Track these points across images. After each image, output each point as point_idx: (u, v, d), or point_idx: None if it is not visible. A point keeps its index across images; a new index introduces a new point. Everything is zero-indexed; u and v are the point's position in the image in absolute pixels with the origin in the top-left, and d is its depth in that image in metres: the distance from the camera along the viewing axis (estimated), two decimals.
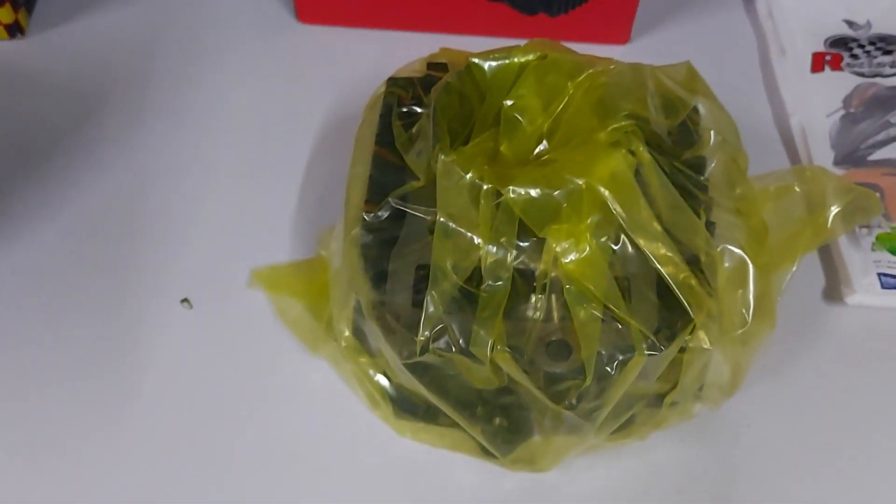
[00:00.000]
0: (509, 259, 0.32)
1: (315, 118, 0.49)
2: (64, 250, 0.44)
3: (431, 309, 0.31)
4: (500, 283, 0.32)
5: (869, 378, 0.41)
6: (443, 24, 0.52)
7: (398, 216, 0.35)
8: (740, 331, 0.34)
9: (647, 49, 0.54)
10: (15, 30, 0.51)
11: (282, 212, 0.46)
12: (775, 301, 0.37)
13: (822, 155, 0.48)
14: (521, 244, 0.32)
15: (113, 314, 0.42)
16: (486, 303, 0.32)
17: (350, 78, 0.51)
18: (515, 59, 0.35)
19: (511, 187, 0.31)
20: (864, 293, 0.43)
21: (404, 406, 0.38)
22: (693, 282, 0.33)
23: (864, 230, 0.44)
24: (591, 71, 0.33)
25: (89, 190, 0.46)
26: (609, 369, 0.31)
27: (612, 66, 0.34)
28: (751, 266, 0.34)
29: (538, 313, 0.32)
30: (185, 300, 0.43)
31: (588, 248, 0.32)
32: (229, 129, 0.49)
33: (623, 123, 0.32)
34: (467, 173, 0.32)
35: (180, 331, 0.42)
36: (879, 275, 0.43)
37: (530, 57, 0.35)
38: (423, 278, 0.33)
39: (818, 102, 0.51)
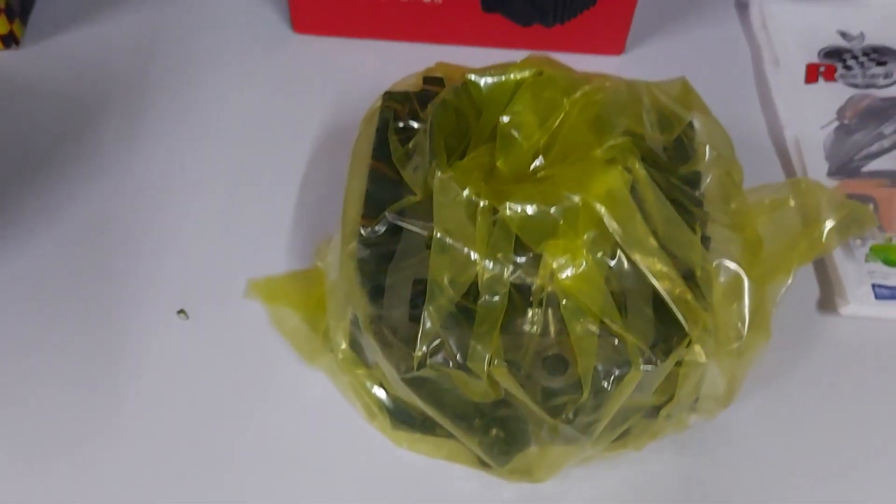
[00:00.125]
0: (506, 274, 0.32)
1: (312, 128, 0.50)
2: (60, 260, 0.44)
3: (428, 324, 0.32)
4: (496, 298, 0.32)
5: (863, 388, 0.41)
6: (439, 35, 0.53)
7: (395, 231, 0.35)
8: (736, 344, 0.35)
9: (642, 60, 0.54)
10: (10, 40, 0.51)
11: (279, 222, 0.46)
12: (770, 313, 0.37)
13: (817, 166, 0.48)
14: (518, 259, 0.33)
15: (109, 323, 0.42)
16: (483, 318, 0.32)
17: (346, 88, 0.51)
18: (511, 76, 0.35)
19: (508, 204, 0.31)
20: (858, 304, 0.43)
21: (401, 417, 0.38)
22: (688, 296, 0.33)
23: (858, 241, 0.45)
24: (587, 88, 0.34)
25: (86, 199, 0.46)
26: (605, 384, 0.31)
27: (607, 83, 0.34)
28: (746, 280, 0.35)
29: (535, 328, 0.32)
30: (181, 311, 0.43)
31: (584, 264, 0.32)
32: (226, 139, 0.49)
33: (619, 140, 0.33)
34: (464, 190, 0.32)
35: (177, 341, 0.42)
36: (873, 285, 0.44)
37: (526, 73, 0.35)
38: (420, 293, 0.33)
39: (812, 114, 0.51)
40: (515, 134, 0.34)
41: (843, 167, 0.49)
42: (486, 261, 0.32)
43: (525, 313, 0.33)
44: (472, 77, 0.35)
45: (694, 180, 0.37)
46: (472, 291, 0.33)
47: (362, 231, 0.35)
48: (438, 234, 0.32)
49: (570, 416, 0.31)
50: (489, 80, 0.35)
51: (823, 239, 0.37)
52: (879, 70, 0.53)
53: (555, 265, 0.32)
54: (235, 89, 0.51)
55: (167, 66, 0.52)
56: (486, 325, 0.32)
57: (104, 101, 0.50)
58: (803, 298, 0.44)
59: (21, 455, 0.38)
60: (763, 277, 0.36)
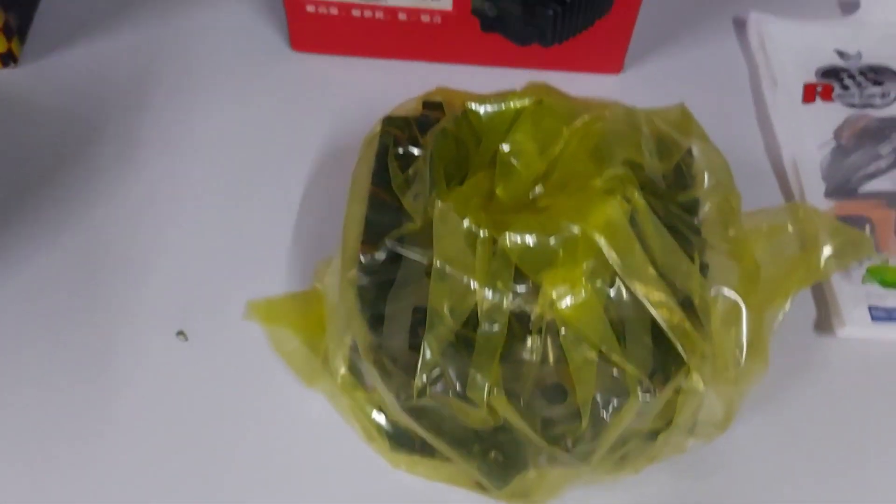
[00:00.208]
0: (505, 303, 0.32)
1: (310, 148, 0.50)
2: (58, 281, 0.44)
3: (428, 354, 0.32)
4: (496, 327, 0.32)
5: (860, 411, 0.42)
6: (437, 54, 0.53)
7: (395, 258, 0.35)
8: (734, 372, 0.35)
9: (640, 79, 0.55)
10: (8, 58, 0.51)
11: (278, 243, 0.46)
12: (768, 340, 0.37)
13: (814, 187, 0.49)
14: (517, 288, 0.33)
15: (107, 345, 0.42)
16: (483, 347, 0.32)
17: (345, 107, 0.51)
18: (511, 104, 0.35)
19: (507, 234, 0.31)
20: (855, 326, 0.44)
21: (400, 440, 0.38)
22: (687, 325, 0.33)
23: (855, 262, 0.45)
24: (586, 117, 0.34)
25: (83, 220, 0.46)
26: (604, 414, 0.32)
27: (607, 112, 0.34)
28: (743, 308, 0.35)
29: (534, 356, 0.33)
30: (180, 332, 0.43)
31: (583, 293, 0.32)
32: (225, 159, 0.49)
33: (618, 171, 0.33)
34: (464, 219, 0.32)
35: (176, 363, 0.42)
36: (870, 307, 0.44)
37: (526, 101, 0.35)
38: (419, 321, 0.33)
39: (809, 134, 0.51)
40: (515, 162, 0.35)
41: (840, 188, 0.49)
42: (486, 290, 0.32)
43: (524, 342, 0.33)
44: (473, 106, 0.35)
45: (692, 207, 0.37)
46: (472, 320, 0.33)
47: (362, 258, 0.35)
48: (438, 263, 0.32)
49: (569, 444, 0.32)
50: (489, 108, 0.35)
51: (821, 266, 0.37)
52: (876, 90, 0.53)
53: (554, 294, 0.32)
54: (234, 108, 0.51)
55: (165, 84, 0.52)
56: (485, 354, 0.32)
57: (102, 119, 0.50)
58: (800, 320, 0.44)
59: (16, 478, 0.38)
60: (761, 304, 0.36)
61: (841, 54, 0.55)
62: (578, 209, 0.32)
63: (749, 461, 0.40)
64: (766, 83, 0.54)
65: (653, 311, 0.33)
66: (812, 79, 0.54)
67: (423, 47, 0.52)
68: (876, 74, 0.54)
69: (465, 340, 0.32)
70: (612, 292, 0.33)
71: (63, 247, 0.45)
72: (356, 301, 0.34)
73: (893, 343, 0.44)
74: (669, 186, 0.35)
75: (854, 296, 0.44)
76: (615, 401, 0.32)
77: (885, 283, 0.45)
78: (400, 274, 0.34)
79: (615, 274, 0.33)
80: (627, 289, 0.33)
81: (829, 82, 0.54)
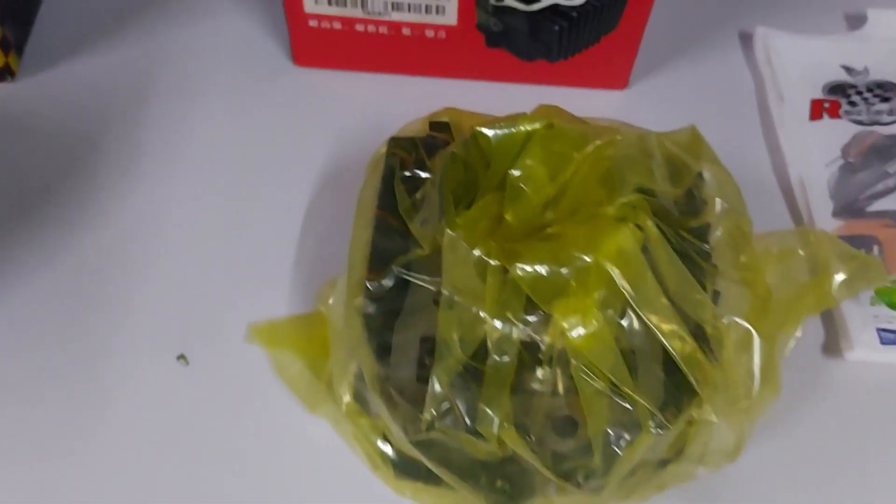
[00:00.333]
0: (515, 334, 0.32)
1: (313, 165, 0.49)
2: (55, 303, 0.43)
3: (437, 386, 0.31)
4: (506, 358, 0.31)
5: (869, 435, 0.41)
6: (442, 69, 0.52)
7: (402, 285, 0.34)
8: (746, 402, 0.34)
9: (645, 95, 0.54)
10: (5, 73, 0.51)
11: (279, 263, 0.45)
12: (779, 367, 0.36)
13: (821, 206, 0.48)
14: (528, 318, 0.32)
15: (106, 371, 0.41)
16: (492, 379, 0.31)
17: (348, 123, 0.51)
18: (521, 128, 0.35)
19: (518, 265, 0.31)
20: (864, 349, 0.43)
21: (405, 468, 0.38)
22: (699, 355, 0.33)
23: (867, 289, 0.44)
24: (598, 142, 0.33)
25: (81, 240, 0.45)
26: (616, 448, 0.31)
27: (618, 137, 0.34)
28: (756, 337, 0.34)
29: (544, 388, 0.32)
30: (181, 356, 0.42)
31: (595, 323, 0.32)
32: (225, 176, 0.48)
33: (630, 198, 0.32)
34: (474, 249, 0.31)
35: (176, 387, 0.41)
36: (878, 330, 0.43)
37: (536, 125, 0.35)
38: (427, 351, 0.32)
39: (817, 151, 0.51)
40: (524, 187, 0.34)
41: (848, 207, 0.48)
42: (496, 320, 0.31)
43: (534, 373, 0.32)
44: (482, 129, 0.35)
45: (703, 232, 0.36)
46: (480, 351, 0.32)
47: (369, 285, 0.34)
48: (447, 293, 0.32)
49: (581, 480, 0.31)
50: (498, 132, 0.35)
51: (833, 292, 0.37)
52: (884, 106, 0.52)
53: (565, 324, 0.32)
54: (234, 124, 0.50)
55: (164, 99, 0.51)
56: (495, 386, 0.31)
57: (101, 135, 0.49)
58: (807, 342, 0.44)
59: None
60: (772, 331, 0.36)
61: (848, 70, 0.55)
62: (590, 238, 0.31)
63: (757, 486, 0.39)
64: (772, 99, 0.53)
65: (665, 342, 0.32)
66: (819, 95, 0.53)
67: (426, 62, 0.52)
68: (883, 90, 0.53)
69: (473, 372, 0.32)
70: (624, 322, 0.32)
71: (59, 266, 0.44)
72: (363, 330, 0.33)
73: None
74: (681, 212, 0.35)
75: (862, 318, 0.43)
76: (627, 434, 0.31)
77: (893, 305, 0.44)
78: (407, 302, 0.34)
79: (627, 303, 0.32)
80: (639, 318, 0.32)
81: (836, 98, 0.53)
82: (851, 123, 0.52)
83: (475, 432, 0.31)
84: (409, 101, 0.51)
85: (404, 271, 0.34)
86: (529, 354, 0.32)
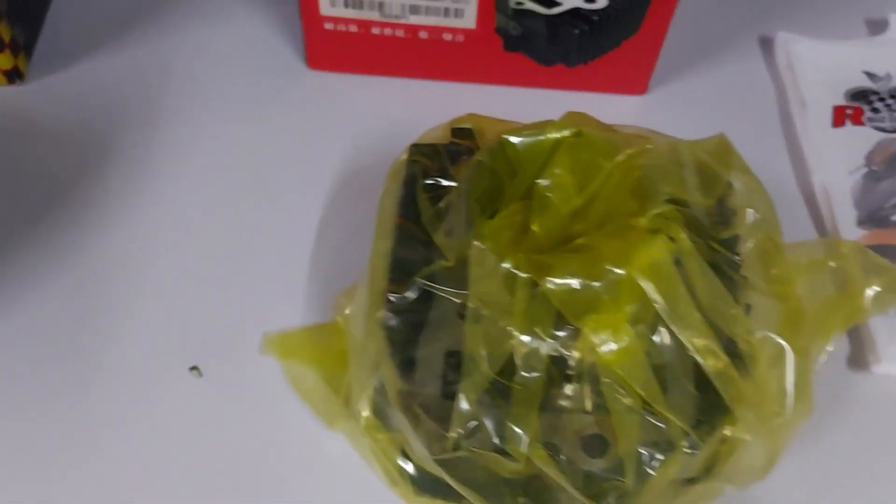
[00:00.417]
0: (544, 349, 0.31)
1: (328, 171, 0.48)
2: (63, 311, 0.42)
3: (464, 403, 0.30)
4: (535, 375, 0.30)
5: None
6: (459, 73, 0.51)
7: (425, 297, 0.33)
8: (779, 419, 0.33)
9: (664, 101, 0.53)
10: (14, 75, 0.50)
11: (294, 272, 0.44)
12: (811, 384, 0.35)
13: (845, 215, 0.47)
14: (557, 333, 0.31)
15: (116, 381, 0.40)
16: (520, 396, 0.30)
17: (363, 128, 0.50)
18: (549, 136, 0.34)
19: (550, 278, 0.30)
20: (891, 362, 0.42)
21: (424, 485, 0.37)
22: (732, 372, 0.32)
23: None
24: (629, 151, 0.32)
25: (90, 246, 0.44)
26: (648, 469, 0.30)
27: (649, 146, 0.33)
28: (790, 353, 0.33)
29: (573, 405, 0.31)
30: (194, 368, 0.41)
31: (626, 338, 0.31)
32: (238, 182, 0.47)
33: (663, 209, 0.31)
34: (503, 262, 0.30)
35: (189, 400, 0.40)
36: None
37: (564, 133, 0.34)
38: (452, 367, 0.31)
39: (840, 159, 0.50)
40: (552, 196, 0.33)
41: (873, 216, 0.47)
42: (524, 335, 0.30)
43: (562, 389, 0.31)
44: (508, 137, 0.34)
45: (733, 244, 0.35)
46: (507, 366, 0.31)
47: (391, 297, 0.33)
48: (473, 306, 0.31)
49: (612, 502, 0.30)
50: (525, 140, 0.34)
51: (865, 307, 0.36)
52: None
53: (595, 340, 0.31)
54: (247, 129, 0.49)
55: (175, 103, 0.50)
56: (523, 404, 0.30)
57: (111, 139, 0.48)
58: (833, 355, 0.43)
59: None
60: (805, 347, 0.35)
61: (870, 76, 0.54)
62: (622, 250, 0.30)
63: (783, 502, 0.38)
64: (794, 105, 0.53)
65: (697, 358, 0.31)
66: (841, 101, 0.52)
67: (443, 67, 0.51)
68: None
69: (500, 388, 0.31)
70: (655, 337, 0.31)
71: (69, 273, 0.43)
72: (385, 343, 0.32)
73: None
74: (712, 223, 0.34)
75: (889, 330, 0.43)
76: (660, 454, 0.30)
77: None
78: (431, 315, 0.33)
79: (658, 318, 0.31)
80: (671, 334, 0.31)
81: (858, 105, 0.52)
82: (875, 130, 0.51)
83: (503, 451, 0.30)
84: (425, 106, 0.50)
85: (428, 283, 0.33)
86: (558, 370, 0.31)
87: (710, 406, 0.32)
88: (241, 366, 0.41)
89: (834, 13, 0.58)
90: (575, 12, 0.47)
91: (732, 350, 0.32)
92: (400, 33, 0.49)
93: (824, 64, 0.54)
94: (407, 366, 0.32)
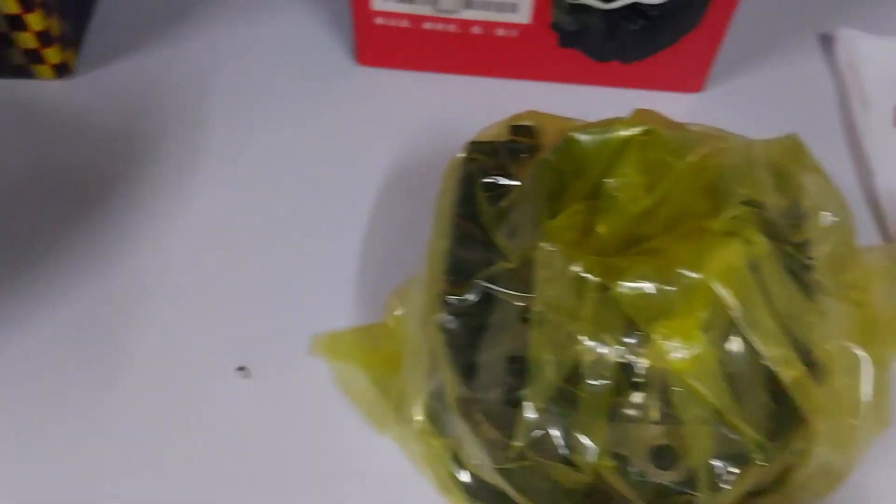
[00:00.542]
0: (612, 356, 0.29)
1: (377, 169, 0.47)
2: (111, 311, 0.41)
3: (529, 412, 0.29)
4: (603, 383, 0.29)
5: None
6: (511, 70, 0.50)
7: (485, 299, 0.32)
8: (856, 430, 0.32)
9: (720, 99, 0.52)
10: (63, 70, 0.49)
11: (344, 271, 0.43)
12: (889, 394, 0.34)
13: None
14: (625, 339, 0.30)
15: (165, 382, 0.39)
16: (588, 405, 0.29)
17: (413, 125, 0.49)
18: (617, 133, 0.32)
19: (622, 282, 0.29)
20: None
21: (478, 493, 0.36)
22: (808, 382, 0.30)
23: None
24: (703, 151, 0.31)
25: (138, 246, 0.44)
26: (721, 482, 0.29)
27: (723, 145, 0.31)
28: (868, 363, 0.32)
29: (641, 414, 0.30)
30: (241, 368, 0.40)
31: (698, 346, 0.29)
32: (286, 179, 0.47)
33: (738, 211, 0.30)
34: (572, 265, 0.29)
35: (236, 401, 0.39)
36: None
37: (634, 131, 0.32)
38: (515, 372, 0.30)
39: None
40: (619, 197, 0.32)
41: None
42: (592, 341, 0.29)
43: (630, 398, 0.30)
44: (575, 135, 0.32)
45: (806, 247, 0.34)
46: (573, 373, 0.30)
47: (450, 299, 0.32)
48: (539, 309, 0.30)
49: None
50: (593, 137, 0.33)
51: None
52: None
53: (666, 347, 0.29)
54: (295, 125, 0.49)
55: (223, 98, 0.50)
56: (590, 413, 0.29)
57: (158, 135, 0.48)
58: None
59: None
60: (882, 356, 0.33)
61: None
62: (696, 254, 0.29)
63: None
64: (856, 104, 0.51)
65: (772, 367, 0.30)
66: None
67: (495, 63, 0.50)
68: None
69: (566, 396, 0.29)
70: (728, 345, 0.30)
71: (117, 273, 0.43)
72: (445, 349, 0.31)
73: None
74: (789, 226, 0.32)
75: None
76: (733, 466, 0.29)
77: None
78: (493, 318, 0.31)
79: (732, 325, 0.30)
80: (745, 341, 0.30)
81: None
82: None
83: (570, 463, 0.29)
84: (476, 103, 0.49)
85: (489, 285, 0.32)
86: (625, 378, 0.30)
87: (784, 416, 0.30)
88: (290, 367, 0.40)
89: (894, 9, 0.56)
90: (633, 7, 0.45)
91: (807, 358, 0.31)
92: (452, 28, 0.48)
93: (887, 61, 0.52)
94: (468, 371, 0.31)
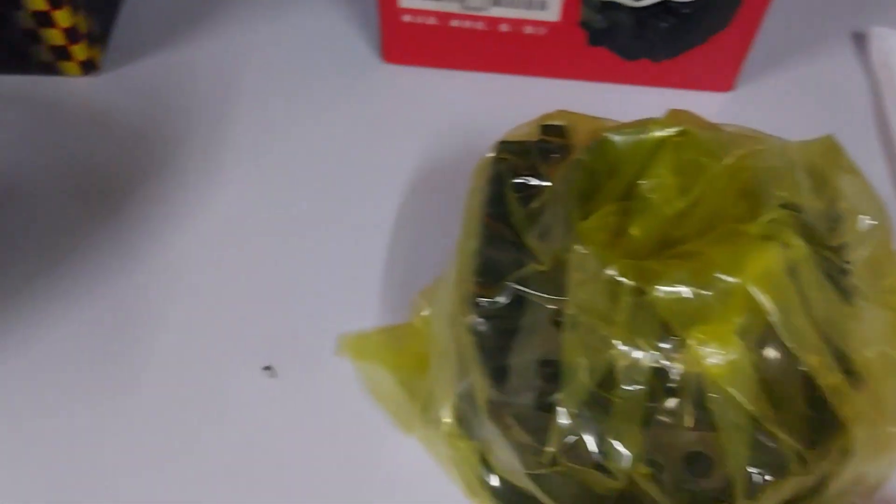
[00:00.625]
0: (646, 361, 0.29)
1: (403, 167, 0.47)
2: (136, 309, 0.41)
3: (562, 417, 0.28)
4: (637, 387, 0.29)
5: None
6: (539, 68, 0.49)
7: (516, 302, 0.32)
8: (894, 439, 0.31)
9: (751, 98, 0.51)
10: (89, 66, 0.49)
11: (369, 271, 0.43)
12: None
13: None
14: (660, 344, 0.29)
15: (190, 381, 0.39)
16: (622, 410, 0.29)
17: (440, 123, 0.48)
18: (652, 134, 0.32)
19: (659, 286, 0.28)
20: None
21: (506, 497, 0.35)
22: (846, 389, 0.30)
23: None
24: (739, 152, 0.30)
25: (163, 243, 0.43)
26: (759, 491, 0.28)
27: (760, 146, 0.31)
28: None
29: (676, 420, 0.29)
30: (267, 367, 0.40)
31: (735, 352, 0.29)
32: (311, 178, 0.46)
33: (776, 214, 0.29)
34: (607, 268, 0.29)
35: (262, 400, 0.39)
36: None
37: (669, 131, 0.32)
38: (547, 376, 0.30)
39: None
40: (653, 198, 0.31)
41: None
42: (627, 346, 0.29)
43: (664, 404, 0.29)
44: (608, 135, 0.32)
45: (843, 251, 0.33)
46: (606, 378, 0.29)
47: (481, 301, 0.32)
48: (572, 312, 0.29)
49: None
50: (626, 138, 0.32)
51: None
52: None
53: (702, 352, 0.29)
54: (320, 124, 0.48)
55: (249, 95, 0.49)
56: (625, 418, 0.28)
57: (183, 134, 0.48)
58: None
59: None
60: None
61: None
62: (734, 257, 0.29)
63: None
64: (890, 104, 0.50)
65: (810, 373, 0.29)
66: None
67: (523, 61, 0.49)
68: None
69: (599, 401, 0.29)
70: (765, 350, 0.30)
71: (141, 270, 0.43)
72: (476, 351, 0.31)
73: None
74: (827, 229, 0.32)
75: None
76: (772, 477, 0.28)
77: None
78: (524, 321, 0.31)
79: (768, 330, 0.29)
80: (782, 347, 0.29)
81: None
82: None
83: (604, 469, 0.28)
84: (503, 102, 0.49)
85: (521, 287, 0.31)
86: (659, 383, 0.29)
87: (822, 423, 0.30)
88: (315, 367, 0.40)
89: None
90: (664, 5, 0.45)
91: (846, 365, 0.30)
92: (480, 26, 0.47)
93: None
94: (498, 374, 0.31)
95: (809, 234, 0.31)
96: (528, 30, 0.47)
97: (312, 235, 0.44)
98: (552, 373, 0.30)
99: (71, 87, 0.49)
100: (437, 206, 0.44)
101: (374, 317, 0.41)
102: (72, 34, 0.47)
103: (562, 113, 0.36)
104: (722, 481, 0.29)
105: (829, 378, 0.29)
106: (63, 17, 0.46)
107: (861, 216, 0.33)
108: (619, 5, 0.45)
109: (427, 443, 0.37)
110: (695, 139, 0.31)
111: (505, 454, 0.31)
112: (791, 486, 0.29)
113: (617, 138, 0.32)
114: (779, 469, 0.28)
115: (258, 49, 0.51)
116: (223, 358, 0.40)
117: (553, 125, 0.36)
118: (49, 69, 0.49)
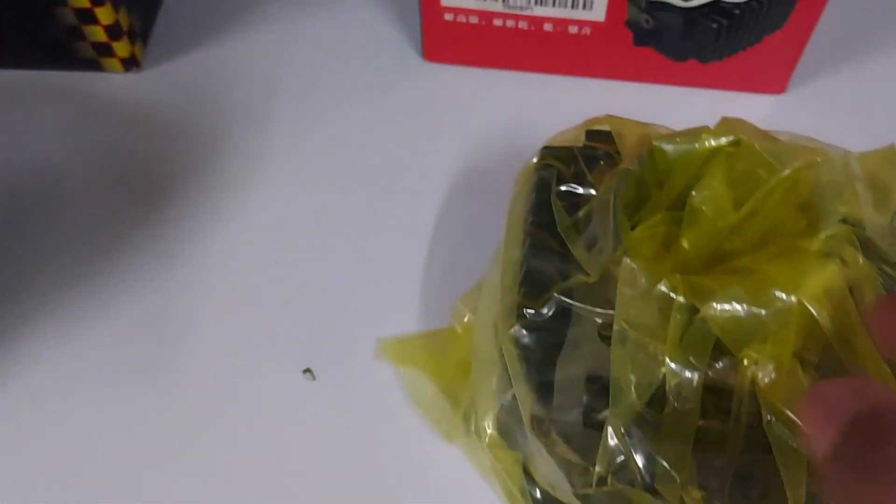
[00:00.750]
0: (697, 380, 0.28)
1: (444, 169, 0.46)
2: (173, 311, 0.41)
3: (612, 439, 0.28)
4: (688, 407, 0.28)
5: None
6: (583, 68, 0.48)
7: (562, 314, 0.31)
8: None
9: (804, 101, 0.49)
10: (131, 63, 0.49)
11: (409, 274, 0.42)
12: None
13: None
14: (713, 362, 0.28)
15: (229, 383, 0.39)
16: (672, 430, 0.28)
17: (481, 124, 0.47)
18: (704, 144, 0.31)
19: (713, 303, 0.27)
20: None
21: None
22: None
23: None
24: (797, 164, 0.29)
25: (204, 242, 0.43)
26: None
27: (819, 158, 0.30)
28: None
29: (728, 442, 0.28)
30: (307, 370, 0.40)
31: (792, 372, 0.28)
32: (350, 179, 0.46)
33: (837, 230, 0.28)
34: (658, 283, 0.28)
35: (301, 403, 0.39)
36: None
37: (722, 141, 0.31)
38: (594, 393, 0.29)
39: None
40: (706, 211, 0.30)
41: None
42: (677, 364, 0.28)
43: (716, 424, 0.28)
44: (659, 144, 0.31)
45: None
46: (656, 396, 0.28)
47: (526, 313, 0.31)
48: (620, 327, 0.28)
49: None
50: (678, 147, 0.31)
51: None
52: None
53: (756, 373, 0.28)
54: (360, 124, 0.48)
55: (289, 93, 0.49)
56: (676, 439, 0.27)
57: (223, 132, 0.47)
58: None
59: None
60: None
61: None
62: (791, 274, 0.27)
63: None
64: None
65: None
66: None
67: (566, 61, 0.48)
68: None
69: (649, 420, 0.28)
70: (823, 372, 0.28)
71: (181, 267, 0.42)
72: (520, 363, 0.30)
73: None
74: (886, 245, 0.31)
75: None
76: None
77: None
78: (570, 334, 0.30)
79: (826, 351, 0.28)
80: (842, 368, 0.28)
81: None
82: None
83: (654, 491, 0.27)
84: (546, 102, 0.48)
85: (567, 300, 0.31)
86: (712, 404, 0.28)
87: None
88: (355, 370, 0.39)
89: None
90: (714, 5, 0.44)
91: None
92: (523, 25, 0.46)
93: None
94: (543, 389, 0.30)
95: (870, 251, 0.29)
96: (573, 29, 0.46)
97: (352, 236, 0.44)
98: (599, 389, 0.29)
99: (112, 83, 0.49)
100: (478, 209, 0.44)
101: (414, 320, 0.41)
102: (113, 31, 0.47)
103: (608, 118, 0.35)
104: None
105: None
106: (105, 14, 0.46)
107: None
108: (668, 5, 0.44)
109: (468, 451, 0.37)
110: (749, 149, 0.30)
111: (549, 470, 0.30)
112: None
113: (668, 147, 0.31)
114: None
115: (298, 46, 0.51)
116: (262, 359, 0.40)
117: (599, 130, 0.35)
118: (91, 65, 0.49)
